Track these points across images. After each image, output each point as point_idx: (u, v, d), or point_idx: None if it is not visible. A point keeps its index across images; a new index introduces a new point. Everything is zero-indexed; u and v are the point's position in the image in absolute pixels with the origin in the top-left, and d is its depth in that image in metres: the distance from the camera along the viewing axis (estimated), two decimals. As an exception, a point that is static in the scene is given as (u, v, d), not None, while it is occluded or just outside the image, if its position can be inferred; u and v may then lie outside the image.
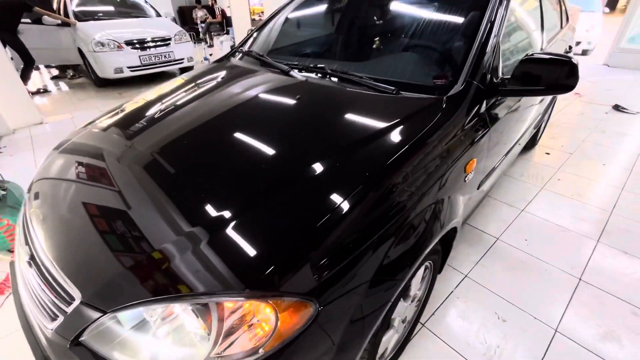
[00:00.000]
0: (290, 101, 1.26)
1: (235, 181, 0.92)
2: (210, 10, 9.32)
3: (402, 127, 1.02)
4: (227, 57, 1.83)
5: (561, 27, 2.32)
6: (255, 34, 1.92)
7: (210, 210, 0.82)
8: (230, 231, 0.76)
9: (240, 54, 1.80)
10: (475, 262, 1.76)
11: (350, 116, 1.12)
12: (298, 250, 0.72)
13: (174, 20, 8.18)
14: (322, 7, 1.97)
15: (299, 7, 1.95)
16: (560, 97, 4.27)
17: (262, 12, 6.04)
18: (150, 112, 1.36)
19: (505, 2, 1.32)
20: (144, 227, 0.83)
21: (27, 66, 4.65)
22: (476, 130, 1.15)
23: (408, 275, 0.90)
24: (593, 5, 6.97)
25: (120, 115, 1.41)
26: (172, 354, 0.69)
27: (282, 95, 1.31)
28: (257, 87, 1.38)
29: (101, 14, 5.38)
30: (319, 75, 1.37)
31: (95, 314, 0.70)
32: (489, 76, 1.19)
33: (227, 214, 0.80)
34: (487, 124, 1.20)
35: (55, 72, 6.05)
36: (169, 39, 5.15)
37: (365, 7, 1.84)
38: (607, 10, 7.91)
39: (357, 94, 1.20)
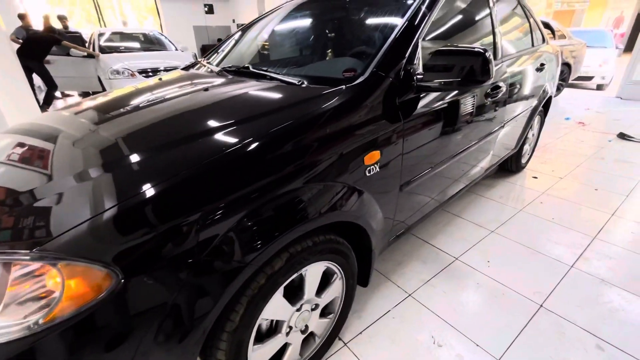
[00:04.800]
0: (199, 92, 1.27)
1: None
2: (230, 48, 10.02)
3: (285, 110, 1.00)
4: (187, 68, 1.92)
5: (532, 45, 2.26)
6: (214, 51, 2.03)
7: (38, 177, 0.82)
8: (41, 192, 0.74)
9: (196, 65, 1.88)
10: (425, 281, 1.59)
11: (244, 101, 1.12)
12: (106, 213, 0.66)
13: (195, 56, 8.84)
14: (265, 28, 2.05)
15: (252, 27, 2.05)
16: (560, 125, 4.09)
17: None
18: (96, 104, 1.41)
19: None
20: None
21: (50, 90, 5.12)
22: (381, 123, 1.08)
23: (262, 259, 0.80)
24: (605, 41, 6.95)
25: (71, 107, 1.46)
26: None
27: (196, 88, 1.33)
28: (185, 85, 1.42)
29: (123, 48, 5.91)
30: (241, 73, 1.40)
31: None
32: (402, 71, 1.15)
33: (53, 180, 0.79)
34: (399, 118, 1.14)
35: (78, 98, 6.60)
36: (179, 69, 5.53)
37: (296, 18, 1.90)
38: (620, 46, 7.83)
39: (262, 86, 1.20)
